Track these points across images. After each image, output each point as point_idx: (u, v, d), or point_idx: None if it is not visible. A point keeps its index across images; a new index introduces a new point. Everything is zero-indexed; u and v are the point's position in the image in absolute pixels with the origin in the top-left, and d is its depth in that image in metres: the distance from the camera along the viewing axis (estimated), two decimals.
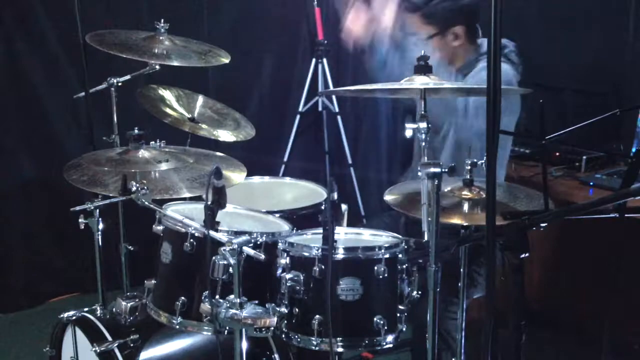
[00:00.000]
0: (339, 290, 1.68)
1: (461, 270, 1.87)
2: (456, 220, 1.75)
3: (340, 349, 1.71)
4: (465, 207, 1.79)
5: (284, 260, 1.74)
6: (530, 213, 1.43)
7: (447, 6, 2.32)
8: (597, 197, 1.36)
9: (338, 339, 1.70)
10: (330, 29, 4.07)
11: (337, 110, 3.96)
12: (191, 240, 1.77)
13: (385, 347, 1.73)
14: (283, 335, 1.76)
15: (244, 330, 1.63)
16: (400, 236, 1.85)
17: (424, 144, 1.66)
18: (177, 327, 1.80)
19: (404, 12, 2.35)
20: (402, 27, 2.37)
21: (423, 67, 1.74)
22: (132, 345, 1.97)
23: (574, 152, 3.01)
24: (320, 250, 1.69)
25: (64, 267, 3.60)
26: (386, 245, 1.74)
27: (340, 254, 1.71)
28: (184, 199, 1.90)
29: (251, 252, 1.62)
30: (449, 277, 1.88)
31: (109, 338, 1.98)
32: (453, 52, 2.39)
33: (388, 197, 1.94)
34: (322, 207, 2.14)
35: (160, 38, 2.35)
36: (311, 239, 1.83)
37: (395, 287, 1.75)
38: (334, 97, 3.96)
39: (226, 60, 2.43)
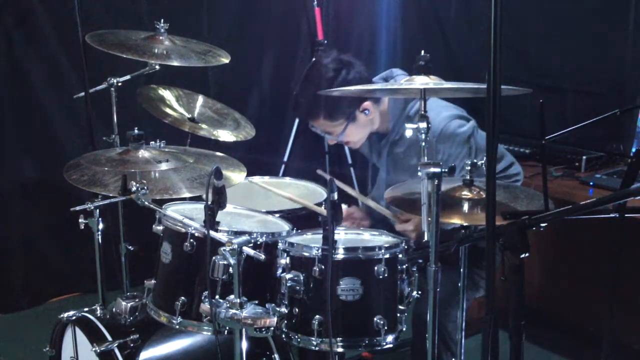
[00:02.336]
0: (339, 291, 1.69)
1: (461, 270, 1.87)
2: (456, 220, 1.75)
3: (340, 349, 1.71)
4: (465, 207, 1.79)
5: (284, 260, 1.74)
6: (530, 213, 1.42)
7: (341, 98, 2.20)
8: (597, 197, 1.36)
9: (338, 339, 1.70)
10: (330, 29, 4.08)
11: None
12: (191, 240, 1.77)
13: (385, 347, 1.73)
14: (283, 335, 1.76)
15: (244, 330, 1.63)
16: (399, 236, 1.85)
17: (423, 144, 1.66)
18: (177, 327, 1.80)
19: (309, 120, 2.30)
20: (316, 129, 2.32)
21: (423, 67, 1.74)
22: (132, 345, 1.97)
23: (574, 152, 3.01)
24: (320, 250, 1.69)
25: (64, 267, 3.60)
26: (386, 245, 1.75)
27: (340, 254, 1.71)
28: (184, 199, 1.90)
29: (251, 252, 1.62)
30: (448, 278, 1.88)
31: (109, 338, 1.98)
32: (371, 126, 2.32)
33: (388, 197, 1.94)
34: (322, 207, 2.14)
35: (160, 38, 2.35)
36: (311, 239, 1.83)
37: (395, 287, 1.76)
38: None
39: (226, 60, 2.43)
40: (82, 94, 2.48)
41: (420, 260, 1.74)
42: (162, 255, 1.86)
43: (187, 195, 1.84)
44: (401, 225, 2.22)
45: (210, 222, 1.61)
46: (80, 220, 2.15)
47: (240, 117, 2.55)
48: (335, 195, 1.61)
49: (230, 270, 1.61)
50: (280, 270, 1.75)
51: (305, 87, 2.28)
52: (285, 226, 1.95)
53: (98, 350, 1.94)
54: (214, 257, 1.63)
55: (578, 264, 3.12)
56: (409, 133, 1.71)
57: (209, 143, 2.45)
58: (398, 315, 1.76)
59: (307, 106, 2.27)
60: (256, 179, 2.44)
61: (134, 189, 1.74)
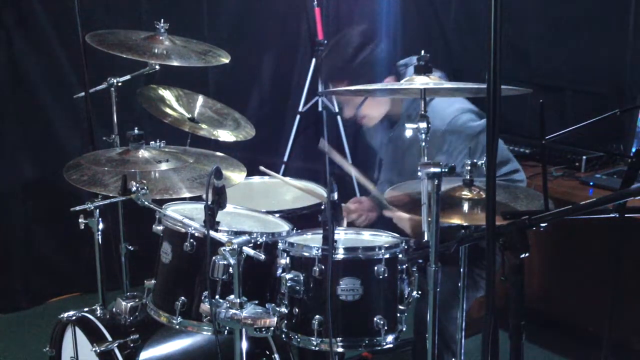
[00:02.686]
0: (339, 291, 1.68)
1: (461, 270, 1.87)
2: (456, 220, 1.75)
3: (340, 349, 1.71)
4: (465, 207, 1.79)
5: (284, 260, 1.74)
6: (530, 213, 1.42)
7: (370, 64, 2.23)
8: (597, 197, 1.36)
9: (338, 339, 1.70)
10: (330, 29, 4.07)
11: (337, 110, 3.95)
12: (191, 240, 1.77)
13: (385, 347, 1.73)
14: (283, 335, 1.76)
15: (244, 330, 1.63)
16: (399, 236, 1.85)
17: (424, 144, 1.66)
18: (177, 327, 1.80)
19: (332, 84, 2.31)
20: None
21: (423, 67, 1.74)
22: (132, 345, 1.97)
23: (574, 152, 3.01)
24: (320, 250, 1.69)
25: (64, 267, 3.60)
26: (386, 245, 1.74)
27: (340, 254, 1.71)
28: (184, 199, 1.90)
29: (251, 252, 1.62)
30: (450, 279, 1.88)
31: (109, 338, 1.98)
32: (388, 104, 2.33)
33: (388, 197, 1.94)
34: (322, 207, 2.14)
35: (160, 38, 2.35)
36: (311, 239, 1.83)
37: (395, 287, 1.76)
38: (334, 97, 3.96)
39: (226, 60, 2.43)
40: (82, 94, 2.48)
41: (420, 260, 1.74)
42: (162, 255, 1.86)
43: (187, 195, 1.84)
44: (393, 213, 2.21)
45: (210, 222, 1.61)
46: (80, 220, 2.15)
47: (240, 117, 2.55)
48: (336, 195, 1.61)
49: (230, 270, 1.61)
50: (280, 270, 1.75)
51: (333, 52, 2.32)
52: (285, 226, 1.95)
53: (98, 350, 1.94)
54: (214, 257, 1.63)
55: (578, 263, 3.12)
56: (409, 133, 1.71)
57: (209, 143, 2.45)
58: (398, 315, 1.76)
59: (334, 70, 2.30)
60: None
61: (134, 189, 1.74)
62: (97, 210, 2.15)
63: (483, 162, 1.80)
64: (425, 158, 1.63)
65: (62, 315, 2.12)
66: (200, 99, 2.54)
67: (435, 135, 2.22)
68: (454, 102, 2.25)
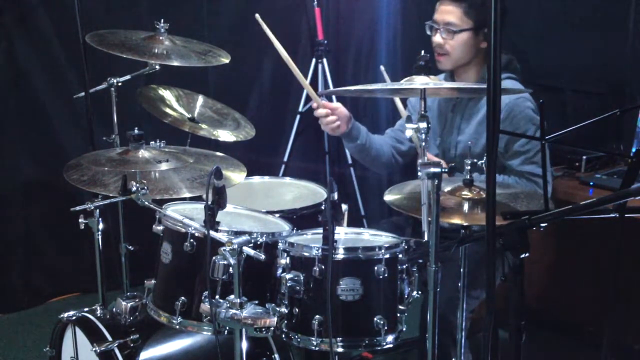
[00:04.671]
0: (339, 291, 1.68)
1: (461, 270, 1.87)
2: (456, 220, 1.75)
3: (340, 349, 1.71)
4: (465, 207, 1.79)
5: (284, 260, 1.74)
6: (530, 213, 1.42)
7: None
8: (597, 197, 1.36)
9: (338, 339, 1.70)
10: (330, 29, 4.07)
11: None
12: (191, 240, 1.77)
13: (385, 347, 1.73)
14: (283, 335, 1.76)
15: (244, 330, 1.63)
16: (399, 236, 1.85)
17: (424, 144, 1.66)
18: (177, 327, 1.80)
19: (447, 2, 2.33)
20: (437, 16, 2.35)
21: (423, 67, 1.74)
22: (132, 345, 1.97)
23: (574, 152, 3.01)
24: (320, 250, 1.69)
25: (64, 267, 3.60)
26: (386, 245, 1.74)
27: (340, 254, 1.71)
28: (184, 199, 1.90)
29: (251, 252, 1.62)
30: (458, 274, 1.88)
31: (109, 338, 1.98)
32: (475, 53, 2.37)
33: (388, 197, 1.94)
34: (322, 207, 2.14)
35: (160, 38, 2.35)
36: (311, 239, 1.83)
37: (395, 287, 1.76)
38: (334, 97, 3.96)
39: (226, 60, 2.43)
40: (82, 94, 2.48)
41: (421, 260, 1.74)
42: (162, 255, 1.86)
43: (187, 195, 1.85)
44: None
45: (210, 222, 1.61)
46: (80, 220, 2.15)
47: (240, 117, 2.55)
48: (336, 195, 1.61)
49: (230, 270, 1.61)
50: (280, 270, 1.75)
51: None
52: (285, 226, 1.95)
53: (98, 350, 1.94)
54: (214, 257, 1.63)
55: (578, 264, 3.12)
56: (409, 133, 1.71)
57: (209, 143, 2.45)
58: (398, 315, 1.76)
59: None
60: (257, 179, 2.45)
61: (134, 189, 1.74)
62: (97, 210, 2.15)
63: (483, 162, 1.80)
64: (425, 158, 1.63)
65: (62, 315, 2.12)
66: (200, 99, 2.54)
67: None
68: (511, 85, 2.33)
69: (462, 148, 2.38)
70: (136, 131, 1.97)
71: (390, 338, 1.73)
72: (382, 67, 2.52)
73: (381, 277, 1.70)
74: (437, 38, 2.37)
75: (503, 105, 2.25)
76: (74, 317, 2.09)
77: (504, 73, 2.36)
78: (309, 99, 3.93)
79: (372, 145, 2.50)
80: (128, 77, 2.47)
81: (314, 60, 3.91)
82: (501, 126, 2.20)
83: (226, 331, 1.71)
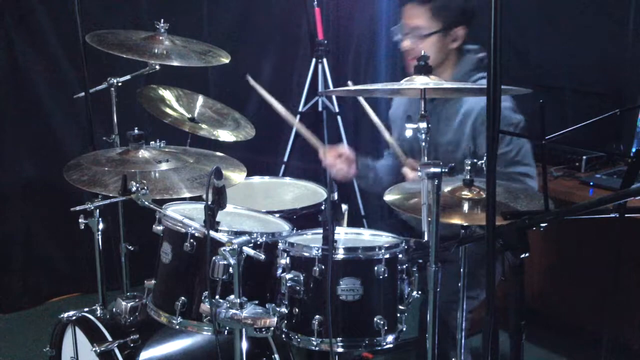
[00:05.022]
0: (339, 291, 1.68)
1: (461, 270, 1.87)
2: (456, 220, 1.75)
3: (340, 349, 1.71)
4: (465, 207, 1.79)
5: (284, 260, 1.74)
6: (530, 213, 1.42)
7: (459, 4, 2.27)
8: (597, 197, 1.36)
9: (338, 339, 1.70)
10: (330, 29, 4.07)
11: (337, 110, 3.96)
12: (191, 240, 1.77)
13: (385, 347, 1.73)
14: (283, 335, 1.76)
15: (244, 330, 1.63)
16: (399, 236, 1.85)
17: (424, 144, 1.66)
18: (177, 327, 1.80)
19: (411, 4, 2.29)
20: (405, 21, 2.31)
21: (423, 67, 1.74)
22: (132, 345, 1.97)
23: (574, 152, 3.01)
24: (320, 250, 1.69)
25: (64, 267, 3.60)
26: (386, 245, 1.74)
27: (340, 254, 1.71)
28: (184, 199, 1.90)
29: (251, 252, 1.62)
30: (457, 274, 1.88)
31: (109, 338, 1.98)
32: (446, 54, 2.34)
33: (388, 197, 1.94)
34: (322, 207, 2.14)
35: (160, 38, 2.35)
36: (311, 239, 1.83)
37: (395, 287, 1.76)
38: (334, 97, 3.96)
39: (226, 60, 2.43)
40: (82, 94, 2.48)
41: (420, 260, 1.74)
42: (162, 255, 1.86)
43: (187, 195, 1.84)
44: (408, 169, 2.26)
45: (210, 222, 1.61)
46: (80, 220, 2.15)
47: (240, 117, 2.55)
48: (336, 195, 1.61)
49: (230, 270, 1.61)
50: (280, 270, 1.75)
51: None
52: (285, 226, 1.95)
53: (98, 350, 1.94)
54: (214, 257, 1.63)
55: (578, 264, 3.12)
56: (408, 133, 1.71)
57: (209, 143, 2.45)
58: (398, 315, 1.76)
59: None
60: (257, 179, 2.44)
61: (134, 189, 1.74)
62: (97, 210, 2.15)
63: (483, 162, 1.80)
64: (426, 158, 1.63)
65: (62, 315, 2.12)
66: (200, 99, 2.54)
67: (469, 113, 2.26)
68: None
69: (442, 151, 2.33)
70: (136, 131, 1.97)
71: (390, 338, 1.73)
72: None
73: (381, 277, 1.70)
74: (407, 43, 2.33)
75: (479, 108, 2.23)
76: (74, 317, 2.09)
77: (478, 72, 2.34)
78: (309, 98, 3.94)
79: (382, 176, 2.49)
80: (128, 77, 2.46)
81: (314, 60, 3.92)
82: (481, 129, 2.20)
83: (226, 331, 1.71)
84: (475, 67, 2.34)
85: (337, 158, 2.39)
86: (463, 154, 2.23)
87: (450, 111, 2.33)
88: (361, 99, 2.51)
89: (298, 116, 3.91)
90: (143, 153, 1.95)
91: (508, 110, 2.24)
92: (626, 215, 1.40)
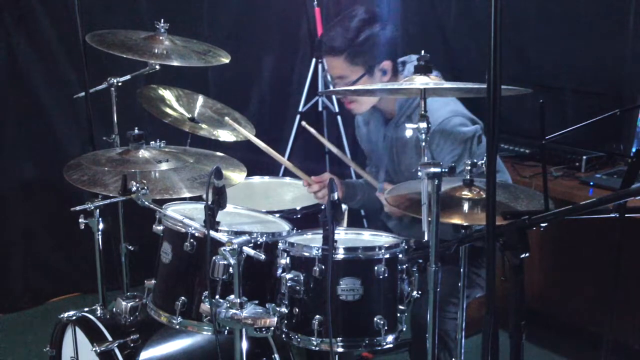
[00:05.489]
0: (339, 291, 1.68)
1: (461, 270, 1.87)
2: (456, 220, 1.75)
3: (340, 349, 1.71)
4: (465, 207, 1.79)
5: (284, 260, 1.74)
6: (530, 213, 1.42)
7: (372, 42, 2.21)
8: (597, 197, 1.36)
9: (338, 339, 1.70)
10: None
11: (337, 110, 3.96)
12: (191, 240, 1.77)
13: (385, 347, 1.73)
14: (283, 335, 1.76)
15: (244, 330, 1.63)
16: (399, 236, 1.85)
17: (424, 144, 1.65)
18: (177, 327, 1.80)
19: (327, 57, 2.24)
20: (329, 71, 2.27)
21: (423, 67, 1.74)
22: (132, 345, 1.97)
23: (574, 152, 3.01)
24: (320, 250, 1.69)
25: (64, 267, 3.60)
26: (386, 245, 1.74)
27: (340, 254, 1.71)
28: (184, 199, 1.90)
29: (251, 252, 1.62)
30: (446, 277, 1.88)
31: (109, 338, 1.98)
32: (387, 98, 2.29)
33: (388, 199, 1.94)
34: (322, 207, 2.14)
35: (160, 38, 2.35)
36: (311, 239, 1.83)
37: (395, 287, 1.76)
38: (334, 97, 3.96)
39: (226, 60, 2.43)
40: (82, 94, 2.48)
41: (420, 260, 1.74)
42: (162, 255, 1.86)
43: (187, 195, 1.85)
44: (381, 197, 2.23)
45: (210, 222, 1.61)
46: (80, 220, 2.15)
47: (240, 117, 2.55)
48: (336, 195, 1.61)
49: (230, 270, 1.61)
50: (280, 270, 1.75)
51: (336, 24, 2.26)
52: (285, 226, 1.95)
53: (98, 350, 1.94)
54: (214, 257, 1.63)
55: (578, 264, 3.12)
56: (408, 133, 1.71)
57: (209, 143, 2.45)
58: (398, 315, 1.76)
59: (334, 41, 2.21)
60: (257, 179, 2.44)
61: (134, 189, 1.74)
62: (97, 210, 2.15)
63: (483, 162, 1.80)
64: (426, 158, 1.63)
65: (62, 315, 2.12)
66: (200, 99, 2.54)
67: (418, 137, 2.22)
68: (448, 103, 2.24)
69: (408, 176, 2.26)
70: (136, 131, 1.97)
71: (390, 338, 1.73)
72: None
73: (381, 277, 1.70)
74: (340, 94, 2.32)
75: (432, 130, 2.07)
76: (74, 317, 2.09)
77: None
78: (309, 98, 3.94)
79: (372, 195, 2.44)
80: (128, 77, 2.47)
81: (314, 60, 3.92)
82: (435, 145, 2.17)
83: (226, 331, 1.71)
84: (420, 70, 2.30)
85: (323, 187, 2.33)
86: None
87: (402, 134, 2.28)
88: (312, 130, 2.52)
89: (298, 117, 3.92)
90: (143, 153, 1.95)
91: (458, 127, 2.18)
92: (626, 215, 1.40)
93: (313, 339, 1.70)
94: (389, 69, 2.24)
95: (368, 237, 1.93)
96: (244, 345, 1.66)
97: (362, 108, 2.31)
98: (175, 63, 2.28)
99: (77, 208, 2.08)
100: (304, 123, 2.56)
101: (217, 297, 1.67)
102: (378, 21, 2.25)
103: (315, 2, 3.88)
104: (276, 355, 2.08)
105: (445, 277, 1.65)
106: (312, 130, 2.53)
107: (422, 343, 1.66)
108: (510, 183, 2.27)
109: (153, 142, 2.01)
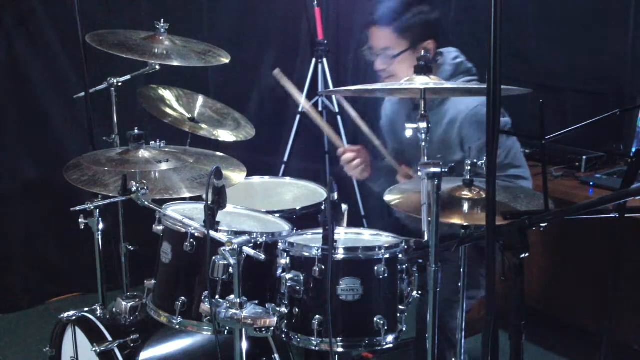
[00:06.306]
0: (339, 291, 1.68)
1: (461, 270, 1.87)
2: (456, 220, 1.75)
3: (340, 349, 1.71)
4: (465, 207, 1.79)
5: (284, 260, 1.74)
6: (530, 213, 1.42)
7: (422, 19, 2.27)
8: (597, 197, 1.36)
9: (338, 339, 1.70)
10: (330, 29, 4.07)
11: (337, 110, 3.96)
12: (191, 240, 1.77)
13: (385, 347, 1.73)
14: (283, 335, 1.76)
15: (244, 330, 1.63)
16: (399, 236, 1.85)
17: (424, 144, 1.66)
18: (177, 327, 1.80)
19: (375, 27, 2.29)
20: (373, 43, 2.31)
21: (423, 67, 1.74)
22: (132, 345, 1.97)
23: (574, 152, 3.01)
24: (320, 250, 1.69)
25: (64, 267, 3.60)
26: (386, 245, 1.74)
27: (340, 254, 1.71)
28: (184, 199, 1.90)
29: (251, 252, 1.62)
30: (454, 276, 1.88)
31: (109, 338, 1.98)
32: None
33: (388, 197, 1.94)
34: (322, 207, 2.14)
35: (160, 38, 2.35)
36: (311, 239, 1.83)
37: (395, 287, 1.76)
38: (334, 97, 3.96)
39: (226, 60, 2.43)
40: (82, 94, 2.48)
41: (420, 260, 1.74)
42: (162, 255, 1.86)
43: (187, 195, 1.85)
44: (401, 177, 2.29)
45: (210, 222, 1.61)
46: (80, 220, 2.15)
47: (240, 117, 2.55)
48: (336, 195, 1.61)
49: (230, 270, 1.60)
50: (280, 270, 1.75)
51: None
52: (285, 226, 1.95)
53: (98, 350, 1.94)
54: (214, 257, 1.63)
55: (578, 263, 3.12)
56: (408, 133, 1.71)
57: (209, 143, 2.45)
58: (398, 315, 1.76)
59: (385, 11, 2.26)
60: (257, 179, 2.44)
61: (134, 189, 1.74)
62: (97, 210, 2.15)
63: (483, 162, 1.80)
64: (426, 158, 1.63)
65: (62, 315, 2.12)
66: (200, 99, 2.54)
67: (454, 121, 2.24)
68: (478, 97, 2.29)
69: (430, 159, 2.31)
70: (136, 131, 1.97)
71: (390, 338, 1.73)
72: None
73: (381, 277, 1.70)
74: (379, 64, 2.34)
75: (464, 115, 2.22)
76: (74, 317, 2.09)
77: (458, 77, 2.32)
78: (309, 98, 3.92)
79: (394, 179, 2.46)
80: (128, 77, 2.47)
81: (314, 60, 3.92)
82: (468, 134, 2.19)
83: (226, 331, 1.71)
84: (453, 73, 2.33)
85: (356, 156, 2.38)
86: (454, 160, 2.23)
87: (435, 118, 2.31)
88: (350, 111, 2.50)
89: (298, 117, 3.92)
90: (143, 153, 1.95)
91: (485, 110, 2.23)
92: (626, 215, 1.40)
93: (313, 339, 1.70)
94: (431, 50, 2.28)
95: (368, 237, 1.93)
96: (244, 345, 1.65)
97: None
98: (175, 63, 2.28)
99: (77, 208, 2.08)
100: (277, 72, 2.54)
101: (217, 297, 1.67)
102: (427, 2, 2.31)
103: (315, 2, 3.88)
104: (276, 355, 2.09)
105: (450, 276, 1.66)
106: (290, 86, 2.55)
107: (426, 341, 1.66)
108: (528, 184, 2.28)
109: (153, 142, 2.01)
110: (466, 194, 1.82)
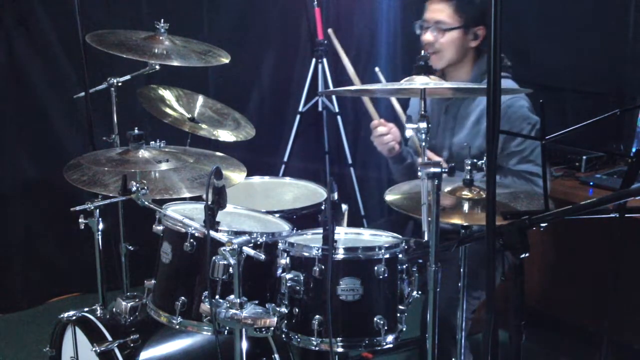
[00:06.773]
0: (339, 291, 1.68)
1: (461, 270, 1.87)
2: (456, 220, 1.75)
3: (340, 349, 1.71)
4: (465, 207, 1.79)
5: (284, 260, 1.74)
6: (530, 213, 1.42)
7: (482, 1, 2.29)
8: (597, 197, 1.36)
9: (338, 339, 1.70)
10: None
11: (337, 110, 3.96)
12: (191, 240, 1.77)
13: (385, 347, 1.73)
14: (283, 335, 1.76)
15: (244, 330, 1.63)
16: (400, 236, 1.85)
17: (423, 144, 1.66)
18: (177, 327, 1.80)
19: (435, 1, 2.32)
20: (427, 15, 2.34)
21: (423, 67, 1.74)
22: (132, 345, 1.97)
23: (574, 152, 3.01)
24: (320, 250, 1.69)
25: (64, 267, 3.60)
26: (386, 245, 1.74)
27: (340, 254, 1.71)
28: (184, 199, 1.90)
29: (251, 252, 1.62)
30: (458, 274, 1.88)
31: (109, 338, 1.98)
32: (465, 52, 2.36)
33: (388, 197, 1.94)
34: (322, 207, 2.14)
35: (160, 38, 2.35)
36: (311, 239, 1.83)
37: (395, 287, 1.75)
38: (334, 97, 3.96)
39: (226, 60, 2.43)
40: (82, 94, 2.48)
41: (421, 260, 1.75)
42: (162, 255, 1.86)
43: (187, 195, 1.85)
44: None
45: (210, 222, 1.61)
46: (80, 220, 2.15)
47: (240, 117, 2.55)
48: (336, 195, 1.61)
49: (230, 270, 1.60)
50: (280, 270, 1.75)
51: None
52: (285, 226, 1.95)
53: (98, 350, 1.94)
54: (214, 257, 1.63)
55: (578, 264, 3.12)
56: (408, 133, 1.71)
57: (209, 143, 2.45)
58: (398, 315, 1.76)
59: None
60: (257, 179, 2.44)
61: (134, 189, 1.74)
62: (97, 210, 2.15)
63: (483, 162, 1.80)
64: (425, 158, 1.63)
65: (62, 315, 2.12)
66: (200, 99, 2.54)
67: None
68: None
69: (456, 150, 2.37)
70: (136, 131, 1.97)
71: (390, 338, 1.73)
72: (377, 69, 2.54)
73: (381, 277, 1.70)
74: (428, 36, 2.36)
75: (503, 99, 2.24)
76: (74, 317, 2.09)
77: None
78: (309, 98, 3.94)
79: (415, 162, 2.49)
80: (128, 77, 2.47)
81: (314, 60, 3.92)
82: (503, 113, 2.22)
83: (226, 331, 1.71)
84: (483, 73, 2.34)
85: (388, 131, 2.39)
86: (478, 149, 2.24)
87: (465, 111, 2.35)
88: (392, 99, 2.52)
89: (298, 117, 3.92)
90: (143, 153, 1.95)
91: (526, 109, 2.29)
92: (626, 215, 1.40)
93: (313, 339, 1.70)
94: (480, 37, 2.31)
95: (368, 237, 1.93)
96: (244, 345, 1.65)
97: (440, 63, 2.38)
98: (175, 63, 2.28)
99: (77, 208, 2.08)
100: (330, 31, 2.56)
101: (217, 297, 1.67)
102: None
103: (315, 2, 3.88)
104: (276, 355, 2.09)
105: (454, 275, 1.65)
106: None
107: (434, 341, 1.66)
108: (536, 187, 2.28)
109: (153, 142, 2.01)
110: (466, 194, 1.82)
